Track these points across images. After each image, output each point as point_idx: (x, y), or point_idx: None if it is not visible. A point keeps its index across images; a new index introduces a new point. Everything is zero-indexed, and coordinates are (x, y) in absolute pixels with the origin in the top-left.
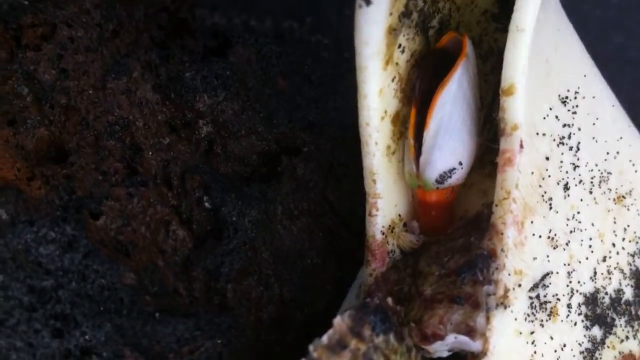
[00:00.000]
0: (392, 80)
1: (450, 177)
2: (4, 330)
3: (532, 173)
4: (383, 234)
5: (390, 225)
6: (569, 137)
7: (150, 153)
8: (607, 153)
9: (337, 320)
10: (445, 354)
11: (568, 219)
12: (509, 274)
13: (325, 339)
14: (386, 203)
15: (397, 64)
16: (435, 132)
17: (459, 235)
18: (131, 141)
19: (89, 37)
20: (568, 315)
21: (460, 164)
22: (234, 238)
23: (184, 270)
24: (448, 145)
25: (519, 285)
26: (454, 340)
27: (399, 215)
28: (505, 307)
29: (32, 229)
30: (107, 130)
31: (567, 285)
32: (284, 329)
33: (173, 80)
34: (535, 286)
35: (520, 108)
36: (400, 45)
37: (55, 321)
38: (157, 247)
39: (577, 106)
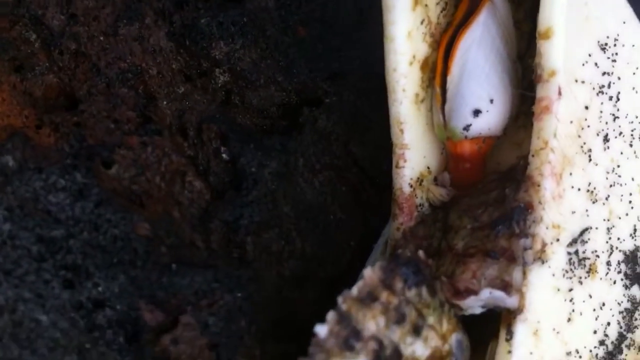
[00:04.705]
0: (421, 23)
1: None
2: (11, 281)
3: (571, 122)
4: (411, 186)
5: (418, 178)
6: (609, 86)
7: (165, 102)
8: None
9: (368, 272)
10: (478, 311)
11: (608, 172)
12: (547, 228)
13: (355, 290)
14: (414, 154)
15: (426, 5)
16: (458, 77)
17: (492, 188)
18: (144, 89)
19: None
20: (607, 273)
21: (488, 111)
22: (253, 189)
23: (201, 223)
24: (473, 92)
25: (557, 240)
26: (488, 295)
27: (428, 168)
28: (543, 262)
29: (41, 176)
30: (119, 78)
31: (607, 242)
32: (306, 284)
33: (187, 27)
34: (573, 241)
35: (558, 53)
36: None
37: (66, 272)
38: (173, 198)
39: (616, 54)
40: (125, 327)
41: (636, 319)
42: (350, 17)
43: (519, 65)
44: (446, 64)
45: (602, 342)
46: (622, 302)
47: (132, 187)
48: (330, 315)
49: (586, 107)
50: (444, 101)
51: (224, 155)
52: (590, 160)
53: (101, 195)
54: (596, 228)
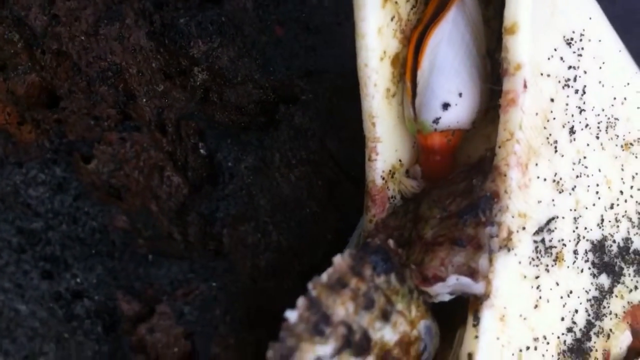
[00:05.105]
0: (392, 20)
1: (446, 116)
2: None
3: (537, 114)
4: (383, 179)
5: (390, 171)
6: (575, 80)
7: (144, 100)
8: (614, 98)
9: (337, 259)
10: (447, 298)
11: (574, 164)
12: (513, 216)
13: (324, 277)
14: (386, 147)
15: (396, 2)
16: (429, 72)
17: (461, 179)
18: (124, 87)
19: None
20: (574, 261)
21: (457, 105)
22: (229, 183)
23: (178, 216)
24: (443, 86)
25: (523, 228)
26: (455, 282)
27: (400, 161)
28: (509, 250)
29: (21, 170)
30: (99, 76)
31: (574, 231)
32: (281, 276)
33: (167, 27)
34: (540, 230)
35: (523, 47)
36: None
37: (45, 263)
38: (151, 192)
39: (582, 49)
40: (102, 317)
41: (604, 307)
42: (326, 17)
43: (489, 61)
44: (416, 60)
45: (570, 329)
46: (589, 290)
47: (111, 181)
48: (300, 301)
49: (552, 100)
50: (414, 95)
51: (201, 151)
52: (556, 151)
53: (80, 189)
54: (563, 217)
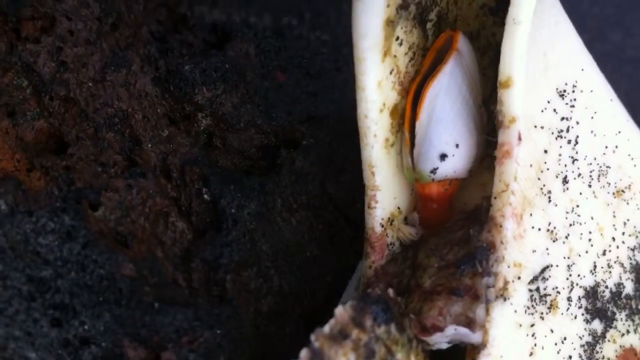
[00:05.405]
0: (391, 73)
1: (444, 167)
2: (2, 320)
3: (531, 166)
4: (382, 226)
5: (389, 218)
6: (568, 131)
7: (150, 145)
8: (606, 147)
9: (339, 310)
10: (445, 346)
11: (567, 212)
12: (508, 267)
13: (327, 328)
14: (385, 196)
15: (395, 56)
16: (426, 123)
17: (457, 228)
18: (130, 133)
19: (89, 30)
20: (568, 308)
21: (454, 155)
22: (233, 230)
23: (183, 262)
24: (440, 137)
25: (519, 278)
26: (453, 332)
27: (398, 208)
28: (505, 299)
29: (31, 219)
30: (106, 123)
31: (567, 279)
32: (283, 320)
33: (172, 73)
34: (534, 279)
35: (518, 101)
36: (398, 38)
37: (54, 311)
38: (157, 238)
39: (575, 100)
40: None
41: (597, 352)
42: (326, 64)
43: (484, 111)
44: (415, 111)
45: None
46: (583, 336)
47: (118, 228)
48: (304, 353)
49: (545, 151)
50: (412, 145)
51: (205, 197)
52: (550, 201)
53: (88, 237)
54: (557, 265)
